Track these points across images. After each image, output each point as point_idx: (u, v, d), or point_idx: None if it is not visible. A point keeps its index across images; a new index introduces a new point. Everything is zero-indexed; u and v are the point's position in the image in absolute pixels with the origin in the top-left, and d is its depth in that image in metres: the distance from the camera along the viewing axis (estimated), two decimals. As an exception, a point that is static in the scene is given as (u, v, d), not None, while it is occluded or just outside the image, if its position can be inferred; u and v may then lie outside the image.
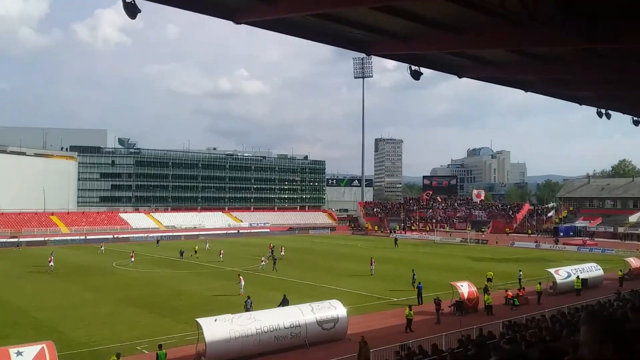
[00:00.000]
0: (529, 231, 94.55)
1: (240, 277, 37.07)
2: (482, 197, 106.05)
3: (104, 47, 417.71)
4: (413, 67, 16.99)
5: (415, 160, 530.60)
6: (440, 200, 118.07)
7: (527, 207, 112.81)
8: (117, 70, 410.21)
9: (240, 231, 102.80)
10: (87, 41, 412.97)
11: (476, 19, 13.59)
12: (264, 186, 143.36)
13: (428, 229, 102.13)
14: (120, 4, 11.65)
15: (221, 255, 55.43)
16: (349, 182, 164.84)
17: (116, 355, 18.82)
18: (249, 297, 29.16)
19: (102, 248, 67.16)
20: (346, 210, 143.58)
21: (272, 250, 57.67)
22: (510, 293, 32.50)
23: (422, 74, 17.17)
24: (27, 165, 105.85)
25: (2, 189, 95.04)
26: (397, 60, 18.47)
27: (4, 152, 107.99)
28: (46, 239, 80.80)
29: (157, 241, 78.14)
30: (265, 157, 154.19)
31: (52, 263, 47.50)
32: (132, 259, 53.26)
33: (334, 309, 24.91)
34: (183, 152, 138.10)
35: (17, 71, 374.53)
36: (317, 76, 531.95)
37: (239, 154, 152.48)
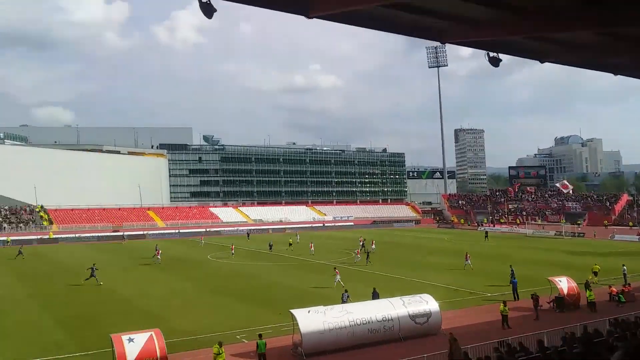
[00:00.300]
0: (630, 223, 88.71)
1: (337, 270, 37.53)
2: (569, 188, 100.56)
3: (182, 47, 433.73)
4: (491, 54, 16.45)
5: (498, 151, 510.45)
6: (530, 191, 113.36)
7: (625, 197, 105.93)
8: (196, 70, 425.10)
9: (326, 224, 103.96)
10: (166, 42, 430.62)
11: (558, 1, 12.93)
12: (344, 179, 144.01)
13: (519, 222, 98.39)
14: (196, 5, 12.11)
15: (312, 249, 56.37)
16: (430, 174, 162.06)
17: (219, 344, 19.52)
18: (346, 291, 29.40)
19: (202, 241, 70.37)
20: (429, 203, 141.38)
21: (363, 244, 58.01)
22: (614, 289, 30.66)
23: (501, 60, 16.62)
24: (122, 163, 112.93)
25: (102, 186, 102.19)
26: (473, 48, 17.89)
27: (101, 151, 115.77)
28: (145, 232, 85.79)
29: (248, 234, 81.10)
30: (344, 150, 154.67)
31: (159, 256, 50.69)
32: (233, 252, 55.92)
33: (426, 303, 24.65)
34: (264, 147, 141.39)
35: (105, 73, 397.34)
36: (391, 67, 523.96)
37: (318, 148, 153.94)
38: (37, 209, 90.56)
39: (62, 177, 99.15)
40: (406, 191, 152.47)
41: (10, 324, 26.87)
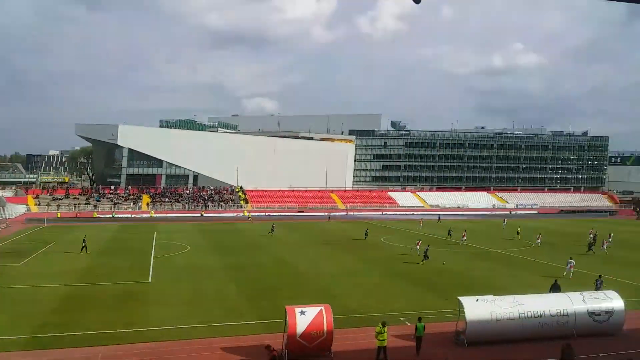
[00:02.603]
0: None
1: (571, 262, 36.22)
2: None
3: (382, 36, 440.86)
4: None
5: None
6: None
7: None
8: (393, 57, 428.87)
9: (512, 212, 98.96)
10: (367, 32, 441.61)
11: None
12: (533, 165, 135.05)
13: None
14: None
15: (464, 237, 54.88)
16: (637, 160, 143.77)
17: (382, 324, 19.96)
18: (600, 277, 29.43)
19: (421, 224, 71.83)
20: (631, 192, 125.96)
21: (595, 237, 53.88)
22: None
23: None
24: (314, 148, 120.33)
25: (294, 169, 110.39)
26: None
27: (296, 137, 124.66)
28: (327, 214, 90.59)
29: (439, 218, 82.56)
30: (537, 134, 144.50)
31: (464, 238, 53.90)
32: (465, 238, 55.21)
33: (609, 300, 22.54)
34: (450, 133, 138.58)
35: (309, 64, 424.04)
36: (604, 41, 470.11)
37: (508, 132, 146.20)
38: (237, 190, 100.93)
39: (261, 160, 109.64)
40: (604, 179, 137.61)
41: (203, 290, 30.71)
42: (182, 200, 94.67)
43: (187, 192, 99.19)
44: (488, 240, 57.01)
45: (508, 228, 68.91)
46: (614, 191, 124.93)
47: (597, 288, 27.76)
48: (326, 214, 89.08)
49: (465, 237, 54.93)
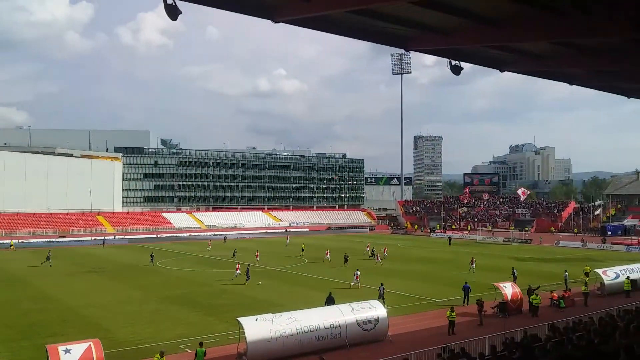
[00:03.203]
0: (575, 230, 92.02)
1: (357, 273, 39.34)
2: (527, 194, 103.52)
3: (146, 50, 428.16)
4: (453, 62, 16.74)
5: (455, 158, 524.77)
6: (484, 197, 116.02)
7: (572, 205, 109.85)
8: (159, 72, 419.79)
9: (288, 230, 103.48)
10: (130, 44, 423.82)
11: (519, 10, 13.27)
12: (302, 185, 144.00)
13: (470, 228, 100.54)
14: (162, 7, 11.91)
15: (257, 258, 54.88)
16: (388, 180, 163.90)
17: (160, 354, 19.05)
18: (382, 284, 32.75)
19: (210, 247, 68.44)
20: (385, 209, 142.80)
21: (373, 251, 57.11)
22: (555, 294, 31.59)
23: (462, 68, 16.90)
24: (74, 166, 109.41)
25: (51, 189, 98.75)
26: (436, 55, 18.19)
27: (53, 153, 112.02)
28: (92, 238, 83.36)
29: (225, 238, 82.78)
30: (304, 156, 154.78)
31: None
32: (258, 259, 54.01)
33: (374, 310, 24.74)
34: (223, 152, 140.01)
35: (64, 74, 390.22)
36: (355, 73, 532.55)
37: (278, 153, 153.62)
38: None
39: (9, 180, 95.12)
40: (363, 197, 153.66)
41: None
42: None
43: None
44: (274, 258, 58.13)
45: (291, 245, 71.49)
46: (372, 208, 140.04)
47: (381, 294, 31.14)
48: (100, 238, 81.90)
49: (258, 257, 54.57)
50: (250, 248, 65.80)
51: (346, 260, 50.84)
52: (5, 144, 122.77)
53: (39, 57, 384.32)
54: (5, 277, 45.32)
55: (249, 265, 43.56)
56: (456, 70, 16.86)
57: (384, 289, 32.40)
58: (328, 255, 55.10)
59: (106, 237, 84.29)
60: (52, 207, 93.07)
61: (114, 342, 23.74)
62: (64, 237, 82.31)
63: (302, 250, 62.10)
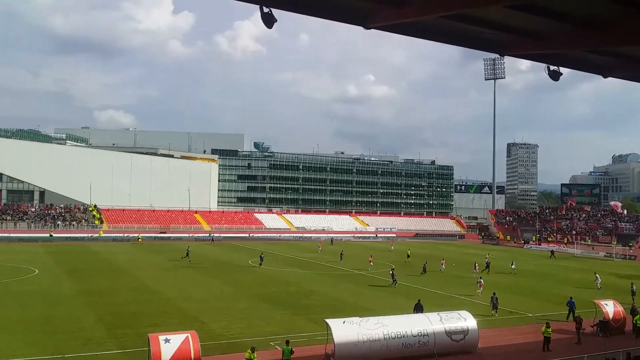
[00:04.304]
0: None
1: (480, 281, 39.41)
2: (619, 209, 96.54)
3: (242, 56, 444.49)
4: (552, 68, 16.12)
5: (552, 167, 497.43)
6: (586, 209, 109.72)
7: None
8: (253, 78, 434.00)
9: (366, 235, 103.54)
10: (227, 51, 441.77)
11: (622, 12, 12.59)
12: (390, 191, 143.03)
13: (566, 241, 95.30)
14: (258, 16, 12.50)
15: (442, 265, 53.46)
16: (478, 188, 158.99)
17: (251, 349, 19.71)
18: (494, 294, 32.43)
19: (320, 248, 70.23)
20: (475, 217, 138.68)
21: (488, 264, 54.21)
22: (663, 316, 29.28)
23: (561, 74, 16.27)
24: (175, 166, 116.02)
25: (154, 188, 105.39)
26: (533, 61, 17.58)
27: (155, 154, 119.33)
28: (190, 235, 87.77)
29: (332, 241, 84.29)
30: (392, 161, 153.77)
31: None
32: (371, 264, 53.40)
33: (464, 320, 24.23)
34: (312, 156, 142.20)
35: (166, 80, 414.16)
36: (445, 79, 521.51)
37: (365, 158, 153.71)
38: (91, 208, 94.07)
39: (116, 178, 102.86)
40: (452, 205, 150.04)
41: (56, 318, 27.96)
42: (27, 218, 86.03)
43: (33, 209, 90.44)
44: (380, 264, 56.85)
45: (396, 252, 70.93)
46: (461, 216, 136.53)
47: (494, 305, 31.54)
48: (209, 235, 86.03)
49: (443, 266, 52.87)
50: (357, 253, 66.30)
51: (427, 268, 49.77)
52: (113, 144, 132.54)
53: (143, 63, 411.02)
54: (111, 268, 48.89)
55: (392, 269, 44.36)
56: (555, 76, 16.26)
57: (497, 298, 32.13)
58: (443, 266, 52.97)
59: (202, 235, 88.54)
60: (154, 204, 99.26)
61: (209, 334, 24.93)
62: (164, 232, 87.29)
63: (408, 256, 61.56)
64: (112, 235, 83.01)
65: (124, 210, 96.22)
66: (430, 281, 45.06)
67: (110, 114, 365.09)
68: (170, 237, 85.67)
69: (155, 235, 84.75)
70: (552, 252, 74.99)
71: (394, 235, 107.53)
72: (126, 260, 54.57)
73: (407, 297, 34.70)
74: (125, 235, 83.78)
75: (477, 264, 51.74)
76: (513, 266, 53.78)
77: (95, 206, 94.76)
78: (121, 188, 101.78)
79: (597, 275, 44.75)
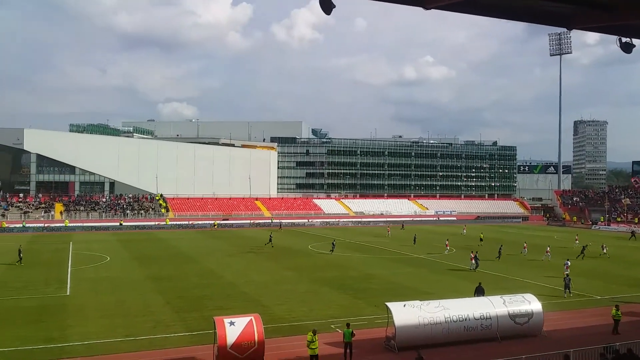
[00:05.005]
0: None
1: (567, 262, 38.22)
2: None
3: (299, 45, 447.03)
4: (624, 40, 15.31)
5: (622, 144, 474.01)
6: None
7: None
8: (310, 65, 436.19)
9: (426, 218, 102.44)
10: (284, 40, 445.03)
11: None
12: (450, 173, 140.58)
13: (637, 221, 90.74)
14: (316, 3, 12.49)
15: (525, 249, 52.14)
16: (543, 168, 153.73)
17: (313, 332, 19.98)
18: (567, 275, 33.09)
19: (389, 233, 71.31)
20: (540, 199, 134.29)
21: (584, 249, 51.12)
22: None
23: (634, 46, 15.43)
24: (236, 155, 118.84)
25: (216, 176, 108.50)
26: (603, 33, 16.66)
27: (217, 143, 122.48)
28: (251, 221, 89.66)
29: (402, 225, 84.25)
30: (451, 143, 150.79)
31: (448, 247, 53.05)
32: (448, 248, 54.20)
33: (528, 303, 23.70)
34: (370, 141, 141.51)
35: (226, 71, 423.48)
36: (506, 56, 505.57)
37: (424, 141, 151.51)
38: (157, 197, 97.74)
39: (181, 167, 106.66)
40: (515, 186, 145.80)
41: (127, 302, 29.42)
42: (98, 208, 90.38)
43: (104, 200, 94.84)
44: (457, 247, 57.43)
45: (468, 235, 70.65)
46: (524, 198, 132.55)
47: (567, 284, 31.51)
48: (277, 221, 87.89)
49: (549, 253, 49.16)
50: (430, 237, 66.05)
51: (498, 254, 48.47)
52: (177, 135, 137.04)
53: (204, 55, 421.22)
54: (177, 254, 50.77)
55: (476, 252, 43.52)
56: (627, 48, 15.45)
57: (570, 279, 32.24)
58: (526, 249, 51.80)
59: (264, 221, 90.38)
60: (216, 192, 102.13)
61: (271, 317, 25.58)
62: (227, 219, 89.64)
63: (481, 240, 61.17)
64: (177, 222, 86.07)
65: (188, 198, 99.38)
66: (504, 266, 44.06)
67: (173, 106, 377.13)
68: (232, 223, 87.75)
69: (219, 222, 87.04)
70: (633, 232, 71.57)
71: (454, 218, 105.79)
72: (191, 247, 56.50)
73: (469, 281, 34.21)
74: (190, 222, 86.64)
75: (549, 247, 50.18)
76: (605, 250, 51.11)
77: (161, 195, 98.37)
78: (185, 177, 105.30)
79: None
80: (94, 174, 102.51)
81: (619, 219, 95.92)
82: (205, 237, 67.50)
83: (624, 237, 71.26)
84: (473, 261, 41.43)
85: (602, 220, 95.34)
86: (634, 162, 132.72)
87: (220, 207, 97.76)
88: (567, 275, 32.52)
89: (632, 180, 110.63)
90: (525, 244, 53.22)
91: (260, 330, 19.98)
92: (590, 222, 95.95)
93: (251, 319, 20.35)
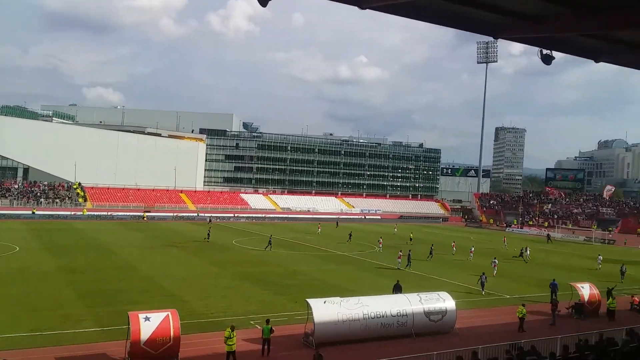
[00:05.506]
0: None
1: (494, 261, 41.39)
2: (612, 194, 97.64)
3: (234, 36, 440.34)
4: (544, 51, 16.05)
5: (538, 152, 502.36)
6: (562, 195, 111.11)
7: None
8: (245, 58, 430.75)
9: (352, 217, 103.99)
10: (219, 30, 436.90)
11: None
12: (377, 173, 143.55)
13: (547, 225, 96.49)
14: None
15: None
16: (464, 171, 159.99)
17: (231, 328, 19.74)
18: (483, 273, 34.30)
19: (319, 230, 70.74)
20: (460, 201, 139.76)
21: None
22: (637, 299, 29.97)
23: (554, 58, 16.20)
24: (162, 145, 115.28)
25: (140, 167, 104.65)
26: (527, 44, 17.41)
27: (143, 132, 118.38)
28: (174, 214, 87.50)
29: (337, 223, 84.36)
30: (380, 144, 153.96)
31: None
32: (381, 246, 54.38)
33: (443, 301, 24.55)
34: (301, 137, 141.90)
35: (157, 58, 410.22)
36: (437, 61, 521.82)
37: (354, 140, 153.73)
38: (75, 186, 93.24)
39: (102, 156, 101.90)
40: (438, 188, 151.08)
41: (36, 295, 27.87)
42: (9, 195, 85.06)
43: (16, 186, 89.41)
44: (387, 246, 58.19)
45: (399, 234, 71.53)
46: (445, 199, 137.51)
47: (482, 282, 33.41)
48: (205, 215, 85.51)
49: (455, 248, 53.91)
50: (363, 235, 66.28)
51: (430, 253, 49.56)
52: (100, 122, 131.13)
53: (135, 40, 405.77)
54: (93, 246, 48.67)
55: (409, 251, 44.76)
56: (547, 59, 16.23)
57: (485, 277, 33.76)
58: (454, 249, 53.85)
59: (187, 215, 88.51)
60: (139, 183, 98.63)
61: (190, 313, 25.04)
62: (149, 211, 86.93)
63: (410, 239, 62.34)
64: (96, 213, 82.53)
65: (108, 188, 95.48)
66: (430, 265, 45.14)
67: (99, 91, 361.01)
68: (155, 216, 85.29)
69: (138, 214, 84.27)
70: (549, 235, 75.52)
71: (379, 217, 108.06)
72: (109, 239, 54.39)
73: (393, 279, 34.98)
74: (110, 213, 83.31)
75: (472, 248, 52.44)
76: (528, 252, 52.99)
77: (79, 184, 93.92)
78: (107, 166, 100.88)
79: (599, 256, 48.59)
80: (6, 158, 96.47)
81: (530, 223, 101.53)
82: (125, 229, 65.20)
83: (542, 240, 75.03)
84: (400, 260, 42.32)
85: (516, 223, 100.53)
86: (547, 169, 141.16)
87: (143, 198, 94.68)
88: (483, 274, 34.04)
89: (547, 189, 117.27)
90: (454, 244, 55.18)
91: (176, 326, 19.56)
92: (505, 225, 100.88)
93: (168, 314, 19.87)
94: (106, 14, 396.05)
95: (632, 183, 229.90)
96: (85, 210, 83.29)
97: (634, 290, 34.12)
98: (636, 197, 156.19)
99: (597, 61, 17.90)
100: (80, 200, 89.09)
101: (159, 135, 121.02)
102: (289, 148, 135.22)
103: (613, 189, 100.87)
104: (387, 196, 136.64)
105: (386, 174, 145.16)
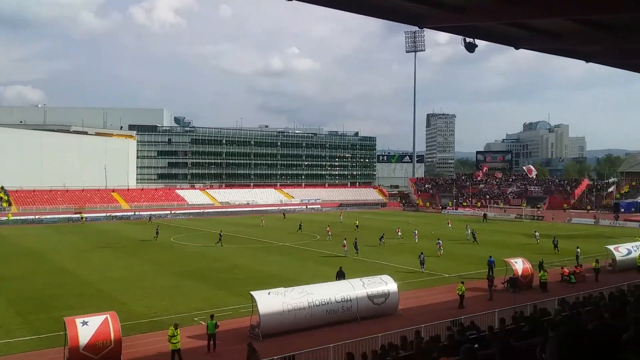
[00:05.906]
0: (588, 207, 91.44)
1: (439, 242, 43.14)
2: (533, 173, 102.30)
3: (160, 29, 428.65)
4: (468, 40, 16.54)
5: (468, 136, 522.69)
6: (497, 175, 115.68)
7: (585, 182, 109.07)
8: (173, 51, 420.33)
9: (292, 207, 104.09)
10: (143, 23, 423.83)
11: None
12: (314, 163, 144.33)
13: (479, 205, 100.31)
14: None
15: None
16: (400, 158, 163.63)
17: (174, 326, 19.40)
18: (422, 253, 36.19)
19: (263, 222, 69.80)
20: (397, 186, 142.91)
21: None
22: (566, 270, 31.72)
23: (477, 46, 16.73)
24: (89, 144, 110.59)
25: (66, 167, 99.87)
26: (451, 33, 17.94)
27: (68, 131, 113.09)
28: (107, 214, 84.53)
29: (284, 214, 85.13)
30: (316, 134, 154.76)
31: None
32: (329, 234, 54.19)
33: (385, 284, 25.03)
34: (236, 130, 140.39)
35: (79, 53, 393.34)
36: (368, 52, 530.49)
37: (290, 131, 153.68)
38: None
39: (25, 157, 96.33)
40: (375, 175, 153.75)
41: (-38, 307, 26.21)
42: None
43: None
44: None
45: (345, 222, 71.67)
46: (383, 186, 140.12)
47: (422, 261, 35.36)
48: (145, 214, 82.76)
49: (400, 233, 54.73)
50: (311, 226, 66.15)
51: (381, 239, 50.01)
52: (21, 122, 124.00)
53: (53, 35, 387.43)
54: (24, 251, 46.28)
55: (355, 239, 45.72)
56: (471, 47, 16.71)
57: (424, 256, 35.77)
58: (400, 233, 54.89)
59: (122, 214, 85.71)
60: (67, 184, 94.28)
61: (130, 314, 24.33)
62: (79, 213, 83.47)
63: (357, 227, 62.80)
64: (22, 217, 78.29)
65: (34, 191, 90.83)
66: (376, 251, 45.61)
67: (17, 90, 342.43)
68: (86, 217, 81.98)
69: (69, 216, 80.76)
70: (485, 215, 78.02)
71: (319, 206, 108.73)
72: (39, 244, 51.82)
73: (333, 267, 35.27)
74: (38, 217, 79.29)
75: (416, 231, 54.01)
76: (469, 231, 54.05)
77: (2, 188, 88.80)
78: (31, 168, 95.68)
79: (536, 232, 51.56)
80: None
81: (464, 204, 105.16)
82: (56, 233, 62.29)
83: (478, 220, 77.27)
84: (346, 248, 42.48)
85: (450, 205, 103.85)
86: (477, 152, 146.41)
87: (72, 199, 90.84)
88: (422, 253, 35.35)
89: (475, 174, 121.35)
90: (399, 229, 56.29)
91: (116, 328, 19.07)
92: (440, 207, 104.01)
93: (106, 317, 19.34)
94: (20, 8, 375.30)
95: (556, 162, 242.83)
96: (10, 215, 78.84)
97: (564, 262, 36.02)
98: (561, 175, 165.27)
99: (517, 48, 18.61)
100: (4, 204, 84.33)
101: (86, 133, 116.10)
102: (224, 142, 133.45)
103: (533, 168, 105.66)
104: (326, 185, 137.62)
105: (324, 163, 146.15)
